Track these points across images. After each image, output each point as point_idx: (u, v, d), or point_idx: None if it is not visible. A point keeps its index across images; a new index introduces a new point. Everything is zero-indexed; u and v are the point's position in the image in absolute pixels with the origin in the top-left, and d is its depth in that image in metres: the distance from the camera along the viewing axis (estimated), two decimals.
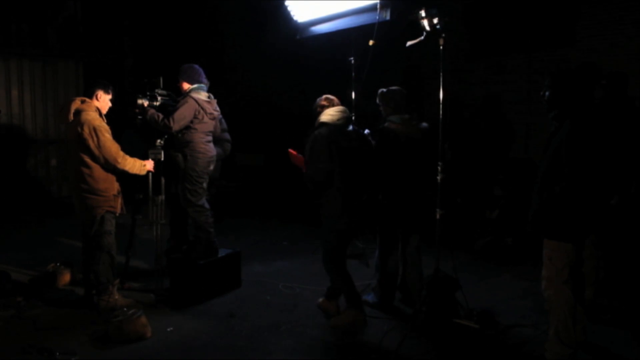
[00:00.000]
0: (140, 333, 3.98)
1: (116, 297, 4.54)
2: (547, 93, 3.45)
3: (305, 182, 4.22)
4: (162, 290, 4.78)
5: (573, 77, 3.47)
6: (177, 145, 4.82)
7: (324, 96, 4.35)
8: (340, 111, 4.26)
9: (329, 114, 4.22)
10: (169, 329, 4.20)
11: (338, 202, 4.14)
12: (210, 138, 4.95)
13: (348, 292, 4.29)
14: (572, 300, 3.29)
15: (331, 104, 4.29)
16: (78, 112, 4.38)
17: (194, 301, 4.70)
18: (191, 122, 4.71)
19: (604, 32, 5.98)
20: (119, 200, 4.57)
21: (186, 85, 4.88)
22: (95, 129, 4.32)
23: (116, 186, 4.56)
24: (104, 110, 4.57)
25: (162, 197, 4.87)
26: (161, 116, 4.65)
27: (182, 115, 4.66)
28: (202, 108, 4.77)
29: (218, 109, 5.02)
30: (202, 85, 4.90)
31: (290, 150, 4.35)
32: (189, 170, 4.78)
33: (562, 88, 3.38)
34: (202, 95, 4.84)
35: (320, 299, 4.60)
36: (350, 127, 4.29)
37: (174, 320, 4.38)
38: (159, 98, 4.81)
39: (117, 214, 4.58)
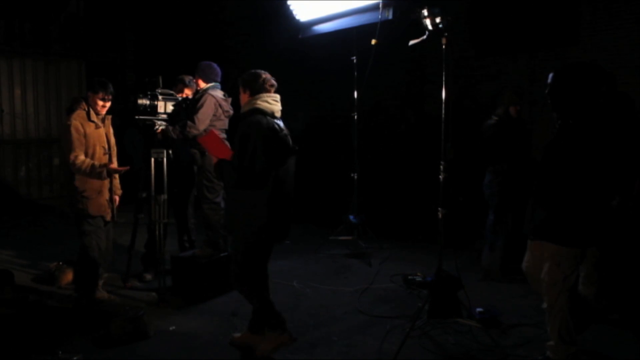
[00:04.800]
0: (143, 332, 3.99)
1: (100, 296, 4.57)
2: (549, 90, 3.35)
3: (217, 173, 3.65)
4: (165, 289, 4.78)
5: (576, 74, 3.32)
6: (193, 142, 4.85)
7: (265, 74, 3.62)
8: (278, 100, 3.64)
9: (267, 101, 3.55)
10: (171, 328, 4.21)
11: (263, 208, 3.47)
12: (224, 135, 5.00)
13: (268, 314, 3.70)
14: (570, 300, 3.29)
15: (269, 89, 3.59)
16: (71, 111, 4.44)
17: (197, 300, 4.71)
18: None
19: (607, 31, 5.96)
20: (104, 204, 4.47)
21: (202, 83, 4.97)
22: (66, 127, 4.34)
23: (100, 188, 4.45)
24: (98, 110, 4.44)
25: (164, 196, 4.87)
26: (179, 128, 4.74)
27: (205, 115, 4.78)
28: (220, 105, 4.88)
29: (231, 108, 5.07)
30: (218, 84, 5.00)
31: (214, 131, 3.68)
32: (206, 166, 4.82)
33: (565, 85, 3.28)
34: (219, 93, 4.94)
35: (237, 335, 3.97)
36: (281, 121, 3.65)
37: (176, 319, 4.38)
38: (160, 97, 4.83)
39: (107, 219, 4.55)
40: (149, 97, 4.75)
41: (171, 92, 5.03)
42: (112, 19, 10.57)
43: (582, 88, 3.24)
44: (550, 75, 3.35)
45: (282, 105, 3.67)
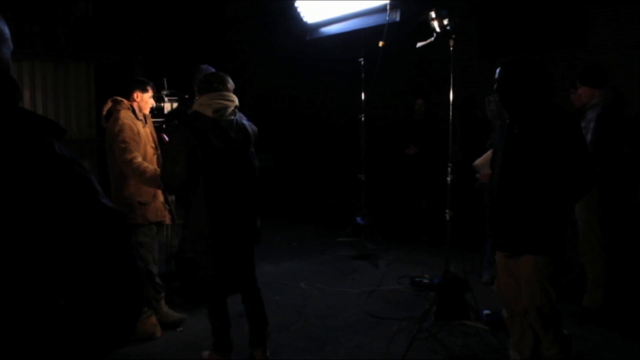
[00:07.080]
0: (150, 332, 4.01)
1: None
2: (498, 86, 3.07)
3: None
4: (172, 291, 4.79)
5: (526, 68, 3.03)
6: None
7: (212, 71, 3.45)
8: (223, 98, 3.31)
9: (205, 104, 3.29)
10: (178, 329, 4.23)
11: (203, 218, 3.31)
12: None
13: (219, 333, 3.56)
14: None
15: (217, 87, 3.34)
16: (111, 113, 4.13)
17: (204, 301, 4.71)
18: None
19: (616, 32, 5.94)
20: (160, 207, 4.16)
21: None
22: (119, 127, 3.98)
23: (155, 191, 4.13)
24: (145, 110, 4.24)
25: (172, 197, 4.89)
26: None
27: None
28: None
29: None
30: None
31: (164, 136, 3.58)
32: None
33: (515, 79, 2.99)
34: None
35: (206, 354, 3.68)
36: (235, 118, 3.39)
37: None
38: (166, 99, 4.84)
39: (167, 222, 4.26)
40: (155, 99, 4.77)
41: (176, 92, 5.05)
42: (120, 20, 10.63)
43: (533, 82, 3.00)
44: (498, 69, 3.10)
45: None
